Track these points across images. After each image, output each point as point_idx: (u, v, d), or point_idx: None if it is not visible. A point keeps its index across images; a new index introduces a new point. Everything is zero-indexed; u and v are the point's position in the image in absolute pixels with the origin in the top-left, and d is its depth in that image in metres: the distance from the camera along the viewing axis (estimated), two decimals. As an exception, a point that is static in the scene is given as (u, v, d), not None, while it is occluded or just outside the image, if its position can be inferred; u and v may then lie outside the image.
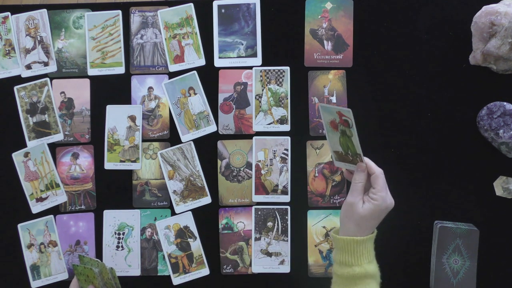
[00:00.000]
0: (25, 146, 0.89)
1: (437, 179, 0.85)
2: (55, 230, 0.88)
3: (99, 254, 0.88)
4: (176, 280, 0.87)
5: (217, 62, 0.89)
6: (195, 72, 0.89)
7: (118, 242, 0.88)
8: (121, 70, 0.90)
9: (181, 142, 0.88)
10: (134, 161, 0.88)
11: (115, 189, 0.89)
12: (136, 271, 0.88)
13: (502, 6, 0.78)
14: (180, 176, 0.88)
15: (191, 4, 0.89)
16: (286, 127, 0.88)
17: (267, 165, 0.87)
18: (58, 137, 0.89)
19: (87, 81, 0.90)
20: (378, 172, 0.70)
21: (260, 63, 0.89)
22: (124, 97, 0.89)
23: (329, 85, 0.87)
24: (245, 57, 0.89)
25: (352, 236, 0.68)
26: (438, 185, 0.85)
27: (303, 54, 0.88)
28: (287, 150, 0.87)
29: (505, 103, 0.81)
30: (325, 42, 0.88)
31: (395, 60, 0.87)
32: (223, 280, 0.87)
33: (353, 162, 0.72)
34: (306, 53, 0.88)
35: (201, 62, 0.89)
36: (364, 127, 0.86)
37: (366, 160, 0.70)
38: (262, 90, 0.88)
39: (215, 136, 0.88)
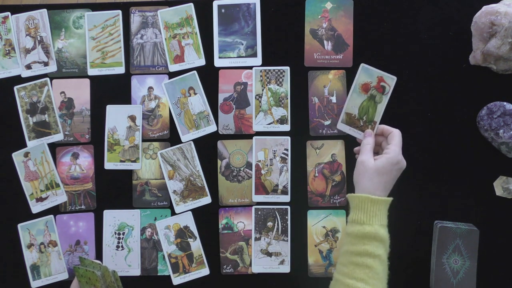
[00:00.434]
0: (25, 146, 0.89)
1: (437, 179, 0.85)
2: (55, 230, 0.88)
3: (99, 254, 0.88)
4: (176, 280, 0.87)
5: (217, 62, 0.89)
6: (195, 72, 0.89)
7: (118, 242, 0.88)
8: (121, 70, 0.90)
9: (181, 142, 0.88)
10: (134, 161, 0.88)
11: (115, 189, 0.89)
12: (136, 271, 0.88)
13: (502, 6, 0.78)
14: (180, 176, 0.88)
15: (191, 4, 0.89)
16: (286, 127, 0.88)
17: (267, 165, 0.87)
18: (58, 137, 0.89)
19: (87, 81, 0.90)
20: (395, 130, 0.75)
21: (260, 63, 0.89)
22: (124, 97, 0.89)
23: (329, 85, 0.87)
24: (245, 57, 0.89)
25: (367, 194, 0.70)
26: (438, 185, 0.85)
27: (303, 54, 0.88)
28: (287, 150, 0.87)
29: (505, 103, 0.81)
30: (325, 42, 0.88)
31: (395, 60, 0.87)
32: (223, 280, 0.87)
33: (360, 129, 0.76)
34: (306, 53, 0.88)
35: (201, 62, 0.89)
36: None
37: (382, 126, 0.76)
38: (262, 90, 0.88)
39: (215, 136, 0.88)
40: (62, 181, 0.89)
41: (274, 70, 0.88)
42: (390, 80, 0.74)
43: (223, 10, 0.89)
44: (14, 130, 0.89)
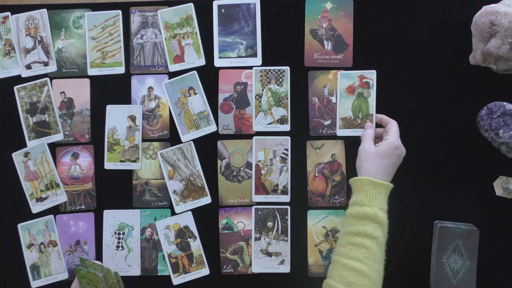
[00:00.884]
0: (25, 146, 0.89)
1: (437, 179, 0.85)
2: (55, 230, 0.88)
3: (99, 254, 0.88)
4: (176, 280, 0.87)
5: (217, 62, 0.89)
6: (195, 72, 0.89)
7: (118, 242, 0.88)
8: (121, 70, 0.90)
9: (181, 142, 0.88)
10: (134, 161, 0.88)
11: (115, 189, 0.89)
12: (136, 271, 0.88)
13: (502, 6, 0.78)
14: (180, 176, 0.88)
15: (191, 4, 0.89)
16: (286, 127, 0.88)
17: (267, 165, 0.87)
18: (58, 137, 0.89)
19: (87, 81, 0.90)
20: (392, 121, 0.81)
21: (260, 63, 0.89)
22: (124, 97, 0.89)
23: (329, 85, 0.87)
24: (245, 57, 0.89)
25: (369, 177, 0.74)
26: (438, 185, 0.85)
27: (303, 54, 0.88)
28: (287, 150, 0.87)
29: (505, 103, 0.81)
30: (325, 42, 0.88)
31: (395, 60, 0.87)
32: (223, 280, 0.87)
33: (360, 127, 0.84)
34: (306, 53, 0.88)
35: (201, 62, 0.89)
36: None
37: (380, 115, 0.83)
38: (262, 90, 0.88)
39: (215, 136, 0.88)
40: (62, 181, 0.89)
41: (274, 70, 0.88)
42: (371, 74, 0.82)
43: (223, 10, 0.89)
44: (14, 130, 0.89)
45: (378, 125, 0.85)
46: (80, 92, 0.90)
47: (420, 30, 0.86)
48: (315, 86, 0.87)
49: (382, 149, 0.77)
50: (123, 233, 0.88)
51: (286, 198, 0.87)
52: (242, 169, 0.88)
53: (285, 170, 0.87)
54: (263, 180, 0.87)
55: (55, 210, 0.89)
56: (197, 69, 0.89)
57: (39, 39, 0.90)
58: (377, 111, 0.86)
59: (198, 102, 0.89)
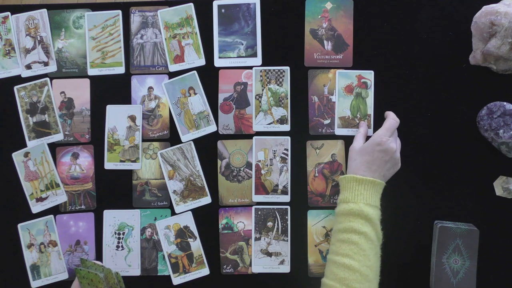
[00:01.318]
0: (25, 146, 0.89)
1: (437, 179, 0.85)
2: (55, 230, 0.88)
3: (99, 254, 0.88)
4: (176, 280, 0.87)
5: (217, 62, 0.89)
6: (195, 72, 0.89)
7: (118, 242, 0.88)
8: (121, 70, 0.90)
9: (181, 142, 0.88)
10: (134, 161, 0.88)
11: (115, 189, 0.89)
12: (136, 271, 0.88)
13: (502, 6, 0.78)
14: (180, 176, 0.88)
15: (191, 4, 0.89)
16: (286, 127, 0.88)
17: (267, 165, 0.87)
18: (58, 137, 0.89)
19: (87, 81, 0.90)
20: (388, 117, 0.80)
21: (260, 63, 0.89)
22: (124, 97, 0.89)
23: (329, 84, 0.87)
24: (245, 57, 0.89)
25: (352, 174, 0.75)
26: (438, 185, 0.85)
27: (303, 54, 0.88)
28: (287, 150, 0.87)
29: (505, 103, 0.81)
30: (325, 42, 0.88)
31: (395, 60, 0.87)
32: (223, 280, 0.87)
33: (358, 126, 0.85)
34: (306, 53, 0.88)
35: (201, 62, 0.89)
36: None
37: (387, 112, 0.82)
38: (262, 90, 0.88)
39: (215, 136, 0.88)
40: (62, 181, 0.89)
41: (274, 70, 0.88)
42: (368, 75, 0.84)
43: (223, 10, 0.89)
44: (14, 130, 0.89)
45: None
46: (80, 92, 0.90)
47: (420, 30, 0.86)
48: (315, 85, 0.87)
49: (364, 145, 0.78)
50: (123, 233, 0.88)
51: (286, 198, 0.87)
52: (242, 169, 0.88)
53: (285, 170, 0.87)
54: (263, 180, 0.87)
55: (55, 210, 0.89)
56: (197, 69, 0.89)
57: (39, 39, 0.90)
58: (377, 111, 0.86)
59: (198, 102, 0.89)
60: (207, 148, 0.88)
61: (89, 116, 0.89)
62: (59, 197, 0.89)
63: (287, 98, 0.88)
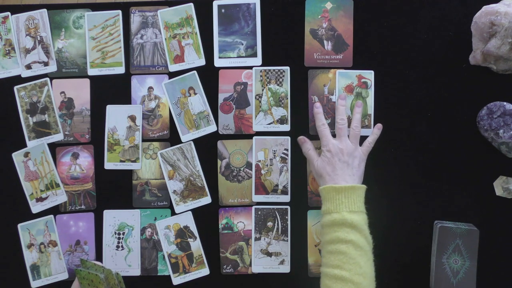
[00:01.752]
0: (25, 146, 0.89)
1: (437, 179, 0.85)
2: (55, 230, 0.88)
3: (99, 254, 0.88)
4: (176, 280, 0.87)
5: (217, 62, 0.89)
6: (195, 72, 0.89)
7: (118, 242, 0.88)
8: (121, 70, 0.90)
9: (181, 142, 0.88)
10: (134, 161, 0.88)
11: (115, 189, 0.89)
12: (136, 271, 0.88)
13: (502, 6, 0.78)
14: (180, 176, 0.88)
15: (191, 4, 0.89)
16: (286, 127, 0.88)
17: (267, 165, 0.87)
18: (58, 137, 0.89)
19: (87, 81, 0.90)
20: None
21: (260, 63, 0.89)
22: (124, 97, 0.89)
23: (329, 84, 0.87)
24: (245, 57, 0.89)
25: (331, 184, 0.75)
26: (438, 185, 0.85)
27: (303, 54, 0.88)
28: (287, 150, 0.87)
29: (505, 103, 0.81)
30: (325, 42, 0.88)
31: (395, 60, 0.87)
32: (223, 280, 0.87)
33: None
34: (306, 53, 0.88)
35: (201, 62, 0.89)
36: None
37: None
38: (262, 90, 0.88)
39: (215, 136, 0.88)
40: (62, 181, 0.89)
41: (274, 70, 0.88)
42: (369, 75, 0.84)
43: (223, 10, 0.89)
44: (14, 130, 0.89)
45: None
46: (80, 92, 0.90)
47: (420, 30, 0.86)
48: (315, 85, 0.87)
49: (319, 161, 0.80)
50: (123, 233, 0.88)
51: (286, 198, 0.87)
52: (242, 169, 0.88)
53: (285, 170, 0.87)
54: (263, 180, 0.87)
55: (55, 210, 0.89)
56: (197, 69, 0.89)
57: (39, 39, 0.90)
58: (378, 111, 0.86)
59: (198, 102, 0.89)
60: (207, 148, 0.88)
61: (89, 116, 0.89)
62: (59, 197, 0.89)
63: (287, 98, 0.88)
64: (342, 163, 0.77)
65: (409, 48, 0.87)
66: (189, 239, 0.88)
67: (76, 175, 0.89)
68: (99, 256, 0.88)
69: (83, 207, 0.89)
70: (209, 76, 0.89)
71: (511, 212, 0.84)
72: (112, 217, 0.88)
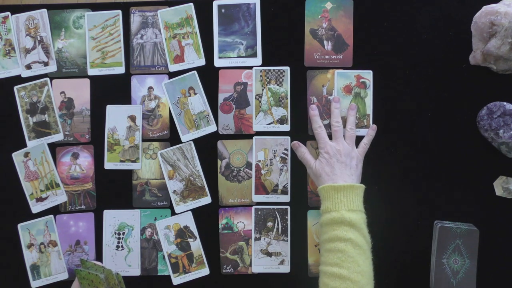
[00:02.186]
0: (25, 146, 0.89)
1: (437, 179, 0.85)
2: (55, 230, 0.88)
3: (99, 254, 0.88)
4: (176, 280, 0.87)
5: (217, 62, 0.89)
6: (195, 72, 0.89)
7: (118, 242, 0.88)
8: (121, 70, 0.90)
9: (181, 142, 0.88)
10: (134, 161, 0.88)
11: (115, 189, 0.89)
12: (136, 271, 0.88)
13: (502, 6, 0.78)
14: (180, 176, 0.88)
15: (191, 4, 0.89)
16: (286, 127, 0.88)
17: (267, 165, 0.87)
18: (58, 137, 0.89)
19: (87, 81, 0.90)
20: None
21: (260, 63, 0.89)
22: (124, 97, 0.89)
23: (328, 84, 0.87)
24: (245, 57, 0.89)
25: (330, 183, 0.76)
26: (438, 185, 0.85)
27: (303, 54, 0.88)
28: (287, 150, 0.87)
29: (505, 103, 0.81)
30: (325, 42, 0.88)
31: (395, 60, 0.87)
32: (223, 280, 0.87)
33: (357, 126, 0.85)
34: (306, 53, 0.88)
35: (201, 62, 0.89)
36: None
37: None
38: (262, 90, 0.88)
39: (215, 136, 0.88)
40: (62, 181, 0.89)
41: (274, 70, 0.88)
42: (367, 75, 0.84)
43: (223, 10, 0.89)
44: (14, 130, 0.89)
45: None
46: (80, 92, 0.90)
47: (420, 30, 0.86)
48: (314, 85, 0.87)
49: (317, 162, 0.81)
50: (123, 233, 0.88)
51: (286, 198, 0.87)
52: (242, 169, 0.88)
53: (285, 170, 0.87)
54: (263, 180, 0.87)
55: (55, 210, 0.89)
56: (197, 69, 0.89)
57: (39, 39, 0.90)
58: (378, 111, 0.86)
59: (198, 102, 0.89)
60: (207, 148, 0.88)
61: (89, 116, 0.89)
62: (59, 197, 0.89)
63: (287, 98, 0.88)
64: (340, 163, 0.77)
65: (409, 48, 0.87)
66: (189, 239, 0.88)
67: (76, 175, 0.89)
68: (99, 256, 0.88)
69: (83, 207, 0.89)
70: (209, 76, 0.89)
71: (511, 212, 0.84)
72: (112, 217, 0.88)
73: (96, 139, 0.89)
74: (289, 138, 0.87)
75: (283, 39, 0.89)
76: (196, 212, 0.88)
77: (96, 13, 0.90)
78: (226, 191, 0.88)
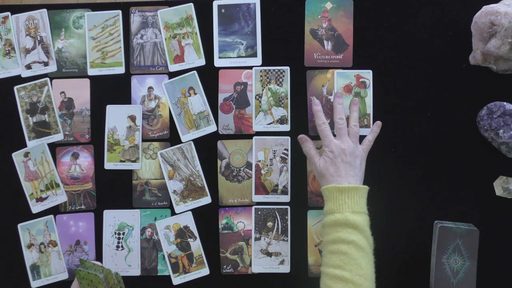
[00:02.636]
0: (25, 146, 0.89)
1: (437, 179, 0.85)
2: (55, 230, 0.88)
3: (99, 254, 0.88)
4: (176, 280, 0.87)
5: (217, 62, 0.89)
6: (195, 72, 0.89)
7: (118, 242, 0.88)
8: (121, 70, 0.90)
9: (181, 142, 0.88)
10: (134, 161, 0.88)
11: (115, 189, 0.89)
12: (136, 271, 0.88)
13: (502, 6, 0.78)
14: (180, 176, 0.88)
15: (191, 4, 0.89)
16: (286, 127, 0.88)
17: (267, 165, 0.87)
18: (58, 137, 0.89)
19: (87, 81, 0.90)
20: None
21: (260, 63, 0.89)
22: (124, 97, 0.89)
23: (328, 84, 0.87)
24: (245, 57, 0.89)
25: (334, 184, 0.75)
26: (438, 185, 0.85)
27: (303, 54, 0.88)
28: (287, 150, 0.87)
29: (505, 103, 0.81)
30: (325, 42, 0.88)
31: (395, 60, 0.87)
32: (223, 280, 0.87)
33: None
34: (306, 53, 0.88)
35: (201, 62, 0.89)
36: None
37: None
38: (262, 90, 0.88)
39: (215, 136, 0.88)
40: (62, 181, 0.89)
41: (274, 70, 0.88)
42: (367, 74, 0.85)
43: (223, 10, 0.89)
44: (14, 130, 0.89)
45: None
46: (80, 92, 0.90)
47: (420, 30, 0.86)
48: (314, 85, 0.87)
49: (321, 161, 0.80)
50: (123, 233, 0.88)
51: (286, 198, 0.87)
52: (242, 169, 0.88)
53: (285, 170, 0.87)
54: (263, 180, 0.87)
55: (55, 210, 0.89)
56: (197, 69, 0.89)
57: (39, 39, 0.90)
58: (378, 111, 0.86)
59: (198, 102, 0.89)
60: (207, 148, 0.88)
61: (89, 116, 0.89)
62: (59, 197, 0.89)
63: (287, 98, 0.88)
64: (345, 163, 0.77)
65: (409, 48, 0.87)
66: (189, 239, 0.88)
67: (76, 175, 0.89)
68: (99, 256, 0.88)
69: (83, 207, 0.89)
70: (209, 76, 0.89)
71: (511, 212, 0.84)
72: (112, 217, 0.88)
73: (96, 139, 0.89)
74: (289, 138, 0.87)
75: (283, 39, 0.89)
76: (196, 212, 0.88)
77: (96, 13, 0.90)
78: (226, 191, 0.88)
